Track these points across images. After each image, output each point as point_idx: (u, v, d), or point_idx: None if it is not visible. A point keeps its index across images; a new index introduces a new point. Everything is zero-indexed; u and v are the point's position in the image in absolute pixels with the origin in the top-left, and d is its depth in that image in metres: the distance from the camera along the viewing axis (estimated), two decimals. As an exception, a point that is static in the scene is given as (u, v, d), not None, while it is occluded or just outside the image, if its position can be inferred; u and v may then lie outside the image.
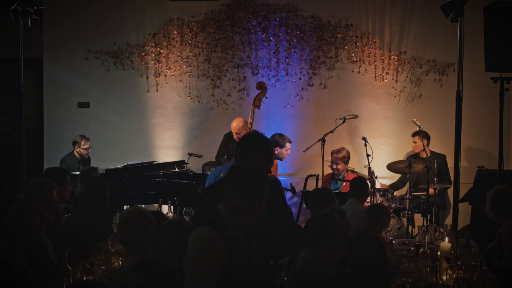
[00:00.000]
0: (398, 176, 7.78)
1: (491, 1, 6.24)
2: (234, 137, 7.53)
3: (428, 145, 7.61)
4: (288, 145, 7.27)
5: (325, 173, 7.51)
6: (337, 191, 7.06)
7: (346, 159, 7.42)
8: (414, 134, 7.59)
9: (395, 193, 7.36)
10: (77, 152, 7.93)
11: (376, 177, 7.05)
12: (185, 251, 3.10)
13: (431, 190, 6.99)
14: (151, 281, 2.93)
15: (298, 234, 4.08)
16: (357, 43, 8.20)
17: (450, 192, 7.38)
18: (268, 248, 3.85)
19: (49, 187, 4.69)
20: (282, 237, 3.96)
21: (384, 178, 7.86)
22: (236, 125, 7.48)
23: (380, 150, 8.04)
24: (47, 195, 4.63)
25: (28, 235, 4.20)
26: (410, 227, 6.93)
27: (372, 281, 3.36)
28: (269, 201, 3.75)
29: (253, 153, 3.87)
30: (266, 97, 7.59)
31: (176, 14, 8.43)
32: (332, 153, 7.46)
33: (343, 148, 7.48)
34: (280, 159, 7.28)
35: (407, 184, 7.22)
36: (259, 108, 7.50)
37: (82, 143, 7.90)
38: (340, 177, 7.38)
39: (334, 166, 7.41)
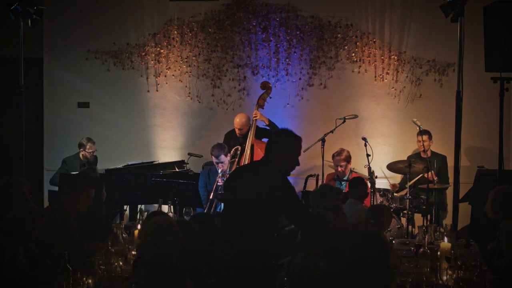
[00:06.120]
0: (398, 175, 7.77)
1: (491, 1, 6.23)
2: (237, 132, 7.52)
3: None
4: (213, 158, 7.06)
5: (325, 173, 7.50)
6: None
7: (348, 158, 7.43)
8: (423, 133, 7.49)
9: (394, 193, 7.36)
10: (82, 154, 7.79)
11: (376, 177, 7.05)
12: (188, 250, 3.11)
13: (430, 178, 6.97)
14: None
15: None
16: (357, 43, 8.20)
17: (449, 192, 7.38)
18: (265, 248, 3.88)
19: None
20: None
21: (384, 178, 7.87)
22: (239, 120, 7.49)
23: (380, 150, 8.04)
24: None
25: (28, 237, 4.20)
26: (410, 227, 6.93)
27: (373, 280, 3.35)
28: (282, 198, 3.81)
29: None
30: (270, 97, 7.58)
31: (176, 14, 8.42)
32: (333, 156, 7.45)
33: (342, 149, 7.46)
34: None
35: (407, 184, 7.21)
36: (262, 108, 7.49)
37: (88, 146, 7.70)
38: (345, 177, 7.37)
39: (339, 169, 7.39)
